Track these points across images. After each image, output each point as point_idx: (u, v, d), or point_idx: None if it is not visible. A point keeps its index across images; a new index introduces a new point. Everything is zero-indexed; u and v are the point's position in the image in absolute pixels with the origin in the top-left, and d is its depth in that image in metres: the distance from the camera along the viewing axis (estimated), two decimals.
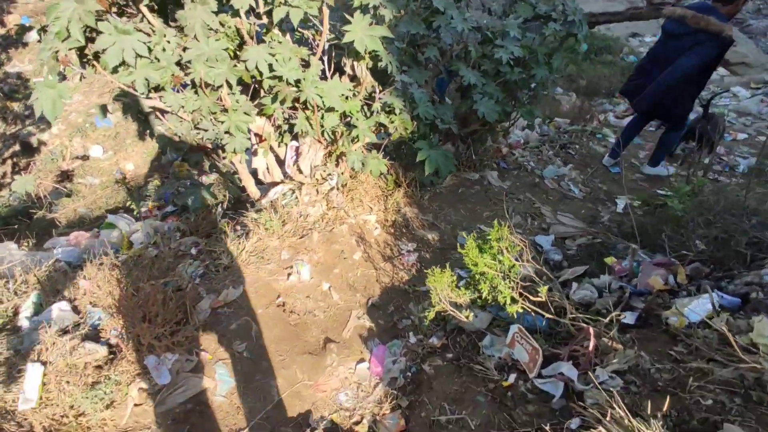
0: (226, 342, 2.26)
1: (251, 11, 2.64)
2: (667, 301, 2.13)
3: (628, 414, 1.46)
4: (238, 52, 2.74)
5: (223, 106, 2.72)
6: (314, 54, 2.83)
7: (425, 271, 3.00)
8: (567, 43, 3.78)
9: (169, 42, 2.57)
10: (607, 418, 1.56)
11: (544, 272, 2.36)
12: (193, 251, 2.90)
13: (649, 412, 1.49)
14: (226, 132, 2.72)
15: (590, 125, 5.66)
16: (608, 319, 1.91)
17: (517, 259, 2.30)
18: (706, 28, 3.53)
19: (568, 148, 5.07)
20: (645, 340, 1.95)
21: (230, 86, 2.68)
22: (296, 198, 3.15)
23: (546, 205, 3.97)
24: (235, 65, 2.63)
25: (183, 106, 2.63)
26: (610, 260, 2.65)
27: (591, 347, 1.82)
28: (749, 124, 6.62)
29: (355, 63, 2.98)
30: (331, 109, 2.87)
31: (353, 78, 3.07)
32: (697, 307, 1.98)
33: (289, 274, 2.67)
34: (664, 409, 1.46)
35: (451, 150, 3.82)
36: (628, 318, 2.09)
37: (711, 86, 7.20)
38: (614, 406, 1.56)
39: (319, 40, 2.83)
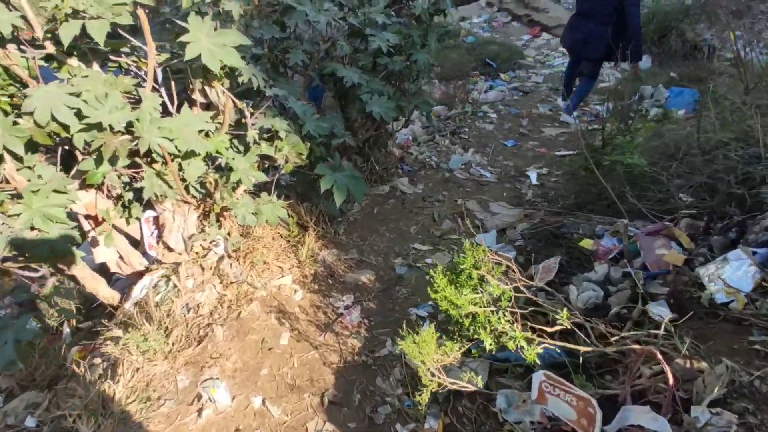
0: None
1: (18, 37, 1.70)
2: (691, 277, 1.73)
3: None
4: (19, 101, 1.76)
5: (14, 188, 1.72)
6: (144, 84, 1.96)
7: (375, 329, 2.34)
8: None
9: None
10: None
11: (532, 286, 1.84)
12: (31, 422, 1.83)
13: None
14: (32, 228, 1.73)
15: (468, 106, 5.47)
16: (662, 328, 1.42)
17: (504, 283, 1.74)
18: None
19: (459, 133, 4.77)
20: (706, 338, 1.50)
21: (17, 157, 1.70)
22: (174, 287, 2.22)
23: (467, 198, 3.54)
24: (16, 122, 1.67)
25: None
26: (586, 243, 2.23)
27: (671, 381, 1.30)
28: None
29: (207, 86, 2.17)
30: (190, 154, 2.03)
31: (208, 106, 2.25)
32: (736, 273, 1.60)
33: (199, 409, 1.77)
34: None
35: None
36: (664, 311, 1.64)
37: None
38: None
39: (146, 65, 1.98)
